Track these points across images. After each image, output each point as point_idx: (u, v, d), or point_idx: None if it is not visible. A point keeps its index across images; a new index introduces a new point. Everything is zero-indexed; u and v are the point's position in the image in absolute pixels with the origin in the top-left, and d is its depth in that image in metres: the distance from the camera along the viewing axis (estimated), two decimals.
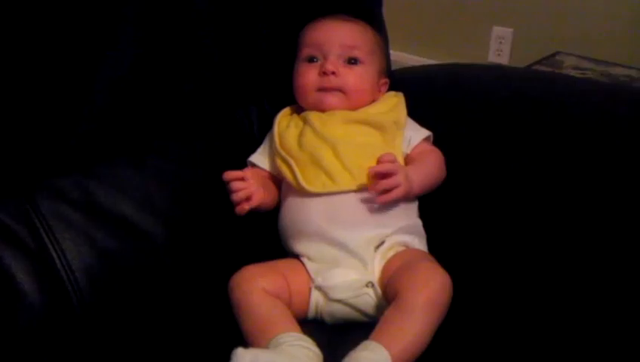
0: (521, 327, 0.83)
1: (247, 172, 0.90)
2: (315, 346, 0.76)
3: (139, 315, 0.88)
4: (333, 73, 0.96)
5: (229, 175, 0.88)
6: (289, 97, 1.02)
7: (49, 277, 0.83)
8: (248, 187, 0.88)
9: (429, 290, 0.77)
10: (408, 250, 0.89)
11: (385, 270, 0.86)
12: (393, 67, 1.13)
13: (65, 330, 0.83)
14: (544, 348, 0.79)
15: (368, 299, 0.84)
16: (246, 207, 0.87)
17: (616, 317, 0.83)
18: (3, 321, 0.79)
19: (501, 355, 0.79)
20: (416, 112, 1.02)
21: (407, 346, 0.74)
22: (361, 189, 0.89)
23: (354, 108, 0.97)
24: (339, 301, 0.84)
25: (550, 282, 0.90)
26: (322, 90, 0.97)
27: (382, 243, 0.88)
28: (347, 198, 0.89)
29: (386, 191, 0.86)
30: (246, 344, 0.76)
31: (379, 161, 0.87)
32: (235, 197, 0.87)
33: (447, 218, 1.01)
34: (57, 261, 0.84)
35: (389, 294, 0.81)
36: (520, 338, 0.81)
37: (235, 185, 0.88)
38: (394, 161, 0.88)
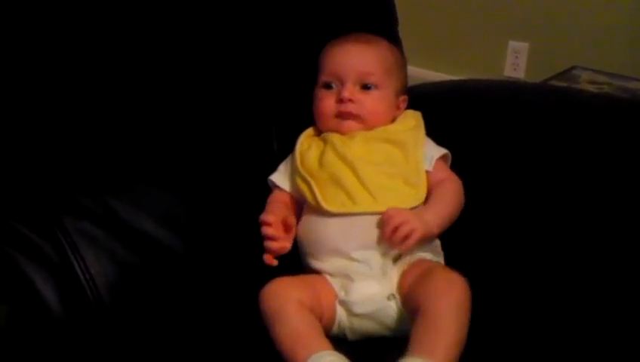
0: (529, 332, 0.84)
1: (281, 220, 0.91)
2: None
3: (159, 327, 0.89)
4: (350, 100, 0.98)
5: (266, 218, 0.89)
6: (308, 116, 1.04)
7: (72, 291, 0.85)
8: (283, 239, 0.89)
9: (453, 296, 0.79)
10: (423, 259, 0.90)
11: (402, 280, 0.87)
12: (410, 82, 1.14)
13: (88, 341, 0.85)
14: (551, 349, 0.80)
15: (391, 312, 0.85)
16: (274, 263, 0.88)
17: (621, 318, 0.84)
18: (29, 333, 0.81)
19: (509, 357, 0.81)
20: (431, 128, 1.03)
21: (446, 352, 0.75)
22: (379, 210, 0.89)
23: (373, 129, 0.99)
24: (363, 315, 0.86)
25: (559, 286, 0.92)
26: (340, 116, 0.99)
27: (399, 256, 0.89)
28: (366, 219, 0.90)
29: (405, 238, 0.86)
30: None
31: (385, 220, 0.87)
32: (270, 245, 0.88)
33: (464, 235, 1.00)
34: (81, 275, 0.86)
35: (410, 304, 0.82)
36: (528, 341, 0.83)
37: (268, 231, 0.88)
38: (399, 213, 0.87)
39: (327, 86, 1.01)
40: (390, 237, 0.86)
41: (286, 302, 0.81)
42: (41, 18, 0.86)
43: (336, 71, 1.00)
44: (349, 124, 0.99)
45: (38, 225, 0.86)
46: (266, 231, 0.88)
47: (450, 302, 0.78)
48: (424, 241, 0.90)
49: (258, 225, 0.96)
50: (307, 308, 0.82)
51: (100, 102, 0.89)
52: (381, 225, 0.89)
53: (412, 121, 1.03)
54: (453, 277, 0.82)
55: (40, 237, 0.85)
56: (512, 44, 2.54)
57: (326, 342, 0.79)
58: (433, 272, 0.84)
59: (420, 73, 2.60)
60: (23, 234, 0.85)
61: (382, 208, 0.89)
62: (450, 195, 0.96)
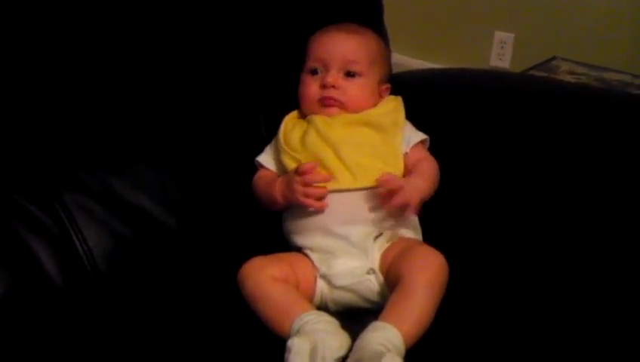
0: (518, 324, 0.86)
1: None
2: (337, 323, 0.82)
3: (152, 297, 0.93)
4: (333, 86, 1.02)
5: (308, 165, 0.94)
6: (295, 101, 1.07)
7: (72, 263, 0.89)
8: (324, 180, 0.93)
9: (429, 272, 0.84)
10: (403, 238, 0.95)
11: (383, 257, 0.92)
12: (397, 70, 1.17)
13: (85, 310, 0.89)
14: (542, 344, 0.82)
15: (370, 285, 0.90)
16: (326, 204, 0.93)
17: (616, 315, 0.86)
18: (30, 302, 0.85)
19: (499, 351, 0.83)
20: (414, 115, 1.06)
21: (414, 323, 0.80)
22: (360, 188, 0.94)
23: (355, 113, 1.03)
24: (343, 287, 0.90)
25: (543, 275, 0.94)
26: (323, 101, 1.03)
27: (380, 234, 0.94)
28: (347, 196, 0.94)
29: (403, 205, 0.91)
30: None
31: (378, 183, 0.92)
32: (316, 191, 0.93)
33: (443, 217, 1.04)
34: (79, 248, 0.90)
35: (391, 279, 0.87)
36: (517, 334, 0.84)
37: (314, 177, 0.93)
38: (393, 178, 0.92)
39: (313, 71, 1.05)
40: (386, 200, 0.91)
41: (260, 280, 0.86)
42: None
43: (322, 57, 1.04)
44: (331, 110, 1.02)
45: (39, 199, 0.89)
46: (313, 177, 0.92)
47: (425, 278, 0.83)
48: (403, 219, 0.95)
49: (247, 205, 1.02)
50: (281, 281, 0.87)
51: (99, 85, 0.92)
52: (362, 201, 0.94)
53: (392, 105, 1.07)
54: (432, 254, 0.87)
55: (40, 210, 0.88)
56: (498, 34, 2.57)
57: (306, 304, 0.85)
58: (412, 249, 0.90)
59: (408, 62, 2.63)
60: (24, 206, 0.88)
61: (362, 185, 0.94)
62: (428, 171, 1.01)
